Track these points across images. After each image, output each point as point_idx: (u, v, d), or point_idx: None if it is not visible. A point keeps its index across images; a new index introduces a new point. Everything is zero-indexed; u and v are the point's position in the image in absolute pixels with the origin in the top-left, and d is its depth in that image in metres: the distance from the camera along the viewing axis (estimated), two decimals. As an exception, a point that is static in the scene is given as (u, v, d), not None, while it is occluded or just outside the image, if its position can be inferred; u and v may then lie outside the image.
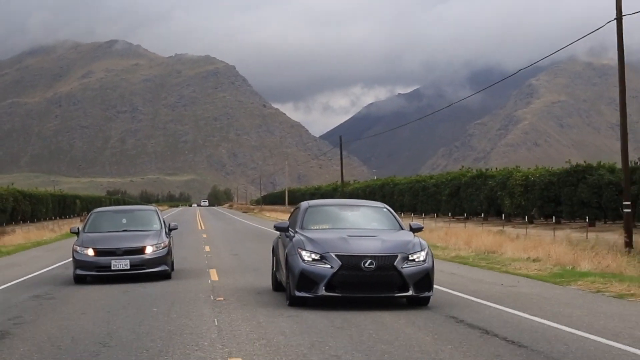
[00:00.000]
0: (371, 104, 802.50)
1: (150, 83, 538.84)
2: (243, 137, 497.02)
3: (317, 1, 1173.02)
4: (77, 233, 20.59)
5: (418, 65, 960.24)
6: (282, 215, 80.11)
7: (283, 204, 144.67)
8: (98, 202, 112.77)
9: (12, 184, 76.81)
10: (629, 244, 25.62)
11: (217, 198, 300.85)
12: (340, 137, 70.83)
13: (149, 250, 19.46)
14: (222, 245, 35.48)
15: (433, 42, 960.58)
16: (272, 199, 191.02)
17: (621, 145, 27.89)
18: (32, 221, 71.80)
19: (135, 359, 10.21)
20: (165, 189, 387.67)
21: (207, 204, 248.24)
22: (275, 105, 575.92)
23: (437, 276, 16.23)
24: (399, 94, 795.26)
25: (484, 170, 63.21)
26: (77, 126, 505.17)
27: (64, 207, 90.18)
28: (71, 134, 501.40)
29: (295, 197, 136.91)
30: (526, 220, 51.97)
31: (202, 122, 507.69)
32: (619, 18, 26.84)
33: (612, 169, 45.81)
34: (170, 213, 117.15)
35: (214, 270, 22.04)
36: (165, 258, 19.64)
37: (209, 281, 19.34)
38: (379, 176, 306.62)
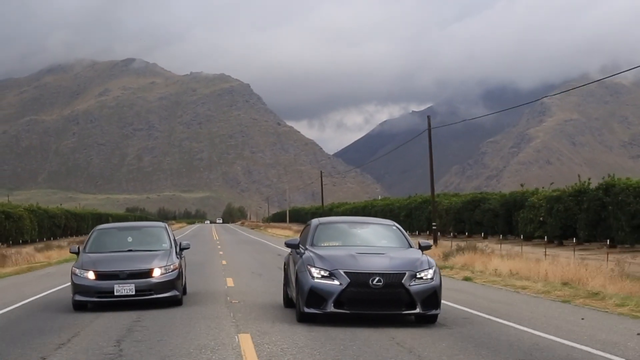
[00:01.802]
0: (385, 121, 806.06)
1: (166, 101, 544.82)
2: (258, 155, 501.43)
3: (333, 20, 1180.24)
4: (77, 253, 18.70)
5: (432, 83, 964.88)
6: (280, 231, 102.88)
7: (298, 221, 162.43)
8: (125, 219, 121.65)
9: (33, 201, 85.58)
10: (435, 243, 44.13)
11: (232, 215, 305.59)
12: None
13: (156, 273, 17.46)
14: (228, 246, 57.57)
15: (447, 60, 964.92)
16: (283, 217, 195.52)
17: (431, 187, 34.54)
18: (76, 235, 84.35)
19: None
20: (181, 205, 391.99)
21: (221, 221, 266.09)
22: (290, 123, 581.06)
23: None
24: (413, 111, 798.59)
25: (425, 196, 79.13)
26: (94, 143, 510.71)
27: (99, 223, 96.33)
28: (88, 151, 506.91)
29: (300, 216, 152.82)
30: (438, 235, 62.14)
31: (217, 139, 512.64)
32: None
33: (496, 199, 61.53)
34: (191, 228, 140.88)
35: (225, 261, 36.77)
36: (176, 282, 17.66)
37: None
38: (392, 194, 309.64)
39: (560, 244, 46.41)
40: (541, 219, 49.92)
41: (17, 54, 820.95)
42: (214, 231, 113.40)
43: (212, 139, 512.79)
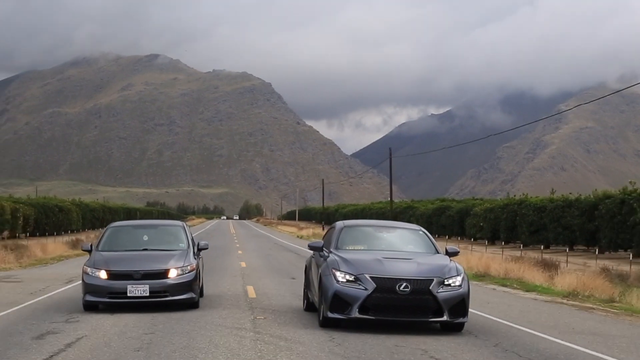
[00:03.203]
0: (403, 123, 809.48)
1: (188, 97, 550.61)
2: (276, 153, 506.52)
3: (358, 22, 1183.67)
4: (90, 251, 17.90)
5: (451, 87, 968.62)
6: (287, 228, 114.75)
7: (308, 220, 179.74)
8: (149, 214, 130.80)
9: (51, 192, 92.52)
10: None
11: (249, 212, 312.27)
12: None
13: (172, 273, 16.65)
14: (242, 238, 73.36)
15: (467, 65, 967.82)
16: (300, 215, 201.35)
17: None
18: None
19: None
20: (199, 201, 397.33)
21: (237, 217, 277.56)
22: (309, 123, 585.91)
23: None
24: (432, 114, 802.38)
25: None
26: (115, 137, 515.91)
27: (129, 217, 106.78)
28: (109, 144, 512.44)
29: (310, 215, 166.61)
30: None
31: (237, 137, 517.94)
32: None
33: (455, 207, 73.56)
34: (210, 223, 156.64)
35: (240, 248, 49.54)
36: (192, 284, 16.87)
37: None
38: (408, 196, 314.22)
39: (493, 244, 57.00)
40: (481, 224, 62.02)
41: (43, 46, 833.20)
42: (231, 226, 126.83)
43: (232, 136, 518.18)
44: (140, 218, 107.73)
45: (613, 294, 21.52)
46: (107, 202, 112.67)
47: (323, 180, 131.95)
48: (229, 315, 16.20)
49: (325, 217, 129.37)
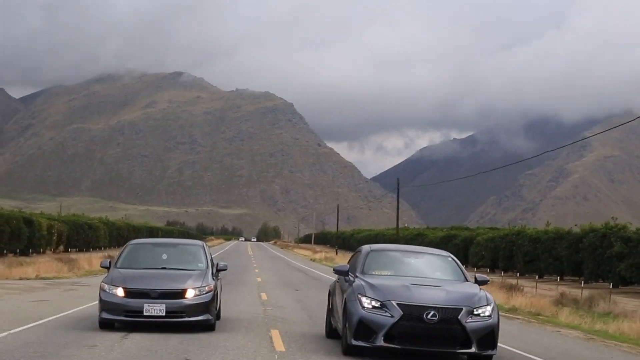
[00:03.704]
0: (425, 147, 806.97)
1: (211, 116, 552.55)
2: (296, 175, 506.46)
3: (382, 43, 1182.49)
4: (108, 268, 17.74)
5: (474, 111, 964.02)
6: (302, 251, 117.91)
7: (324, 244, 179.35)
8: (170, 233, 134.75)
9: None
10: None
11: (266, 234, 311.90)
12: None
13: (190, 294, 16.39)
14: (259, 259, 77.54)
15: (491, 89, 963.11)
16: (316, 239, 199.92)
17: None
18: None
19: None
20: (218, 221, 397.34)
21: (255, 240, 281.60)
22: (330, 144, 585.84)
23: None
24: (454, 138, 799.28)
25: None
26: (137, 154, 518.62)
27: (151, 235, 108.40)
28: (131, 161, 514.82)
29: (327, 239, 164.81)
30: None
31: (257, 157, 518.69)
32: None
33: (460, 236, 76.58)
34: (229, 245, 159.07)
35: (257, 268, 54.80)
36: (210, 305, 16.58)
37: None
38: (427, 222, 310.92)
39: (493, 272, 60.13)
40: (483, 253, 65.90)
41: (69, 62, 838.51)
42: (249, 248, 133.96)
43: (253, 157, 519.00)
44: (162, 237, 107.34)
45: (543, 310, 26.95)
46: (131, 221, 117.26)
47: (338, 205, 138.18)
48: (246, 338, 16.44)
49: (341, 241, 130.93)
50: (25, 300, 23.54)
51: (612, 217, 48.34)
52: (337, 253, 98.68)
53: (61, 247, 66.92)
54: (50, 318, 18.51)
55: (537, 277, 48.42)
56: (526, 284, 41.06)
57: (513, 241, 59.53)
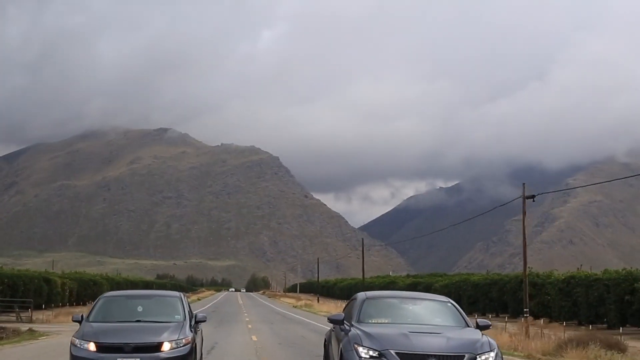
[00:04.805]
0: (412, 196, 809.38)
1: (197, 171, 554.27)
2: (284, 226, 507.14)
3: (367, 97, 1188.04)
4: (80, 322, 16.98)
5: (460, 161, 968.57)
6: (288, 300, 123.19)
7: (310, 292, 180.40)
8: (163, 286, 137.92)
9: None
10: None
11: (255, 285, 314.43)
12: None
13: (166, 347, 15.66)
14: (249, 307, 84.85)
15: (476, 139, 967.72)
16: (303, 288, 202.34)
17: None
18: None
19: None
20: (207, 273, 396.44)
21: (244, 290, 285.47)
22: (317, 196, 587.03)
23: None
24: (440, 187, 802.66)
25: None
26: (124, 209, 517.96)
27: (146, 289, 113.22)
28: (118, 216, 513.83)
29: (313, 288, 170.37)
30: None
31: (244, 210, 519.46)
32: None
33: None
34: (221, 295, 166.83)
35: (246, 313, 63.25)
36: (187, 358, 15.83)
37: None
38: (415, 270, 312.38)
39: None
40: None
41: (54, 120, 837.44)
42: (239, 298, 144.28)
43: (240, 209, 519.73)
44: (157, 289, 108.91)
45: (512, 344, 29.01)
46: (128, 277, 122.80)
47: (318, 259, 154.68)
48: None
49: (326, 290, 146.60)
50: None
51: (578, 268, 59.05)
52: (318, 300, 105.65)
53: (73, 301, 73.66)
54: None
55: (475, 316, 53.58)
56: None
57: (460, 286, 70.13)
